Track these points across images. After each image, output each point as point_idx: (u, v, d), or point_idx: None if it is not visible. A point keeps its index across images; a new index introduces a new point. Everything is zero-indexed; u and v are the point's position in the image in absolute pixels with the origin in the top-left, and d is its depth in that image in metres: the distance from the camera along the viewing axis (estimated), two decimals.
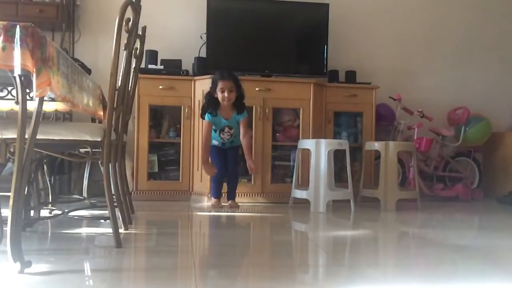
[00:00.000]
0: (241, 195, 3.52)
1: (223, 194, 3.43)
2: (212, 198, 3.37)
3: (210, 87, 3.27)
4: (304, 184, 3.55)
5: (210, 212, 3.11)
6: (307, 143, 3.39)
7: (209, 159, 3.29)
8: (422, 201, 3.52)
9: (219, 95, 3.16)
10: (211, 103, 3.23)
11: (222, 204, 3.34)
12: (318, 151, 3.27)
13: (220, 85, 3.15)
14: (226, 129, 3.27)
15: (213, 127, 3.27)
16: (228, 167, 3.36)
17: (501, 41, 4.64)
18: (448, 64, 4.55)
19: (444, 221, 3.05)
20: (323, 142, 3.29)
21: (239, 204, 3.38)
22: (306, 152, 3.51)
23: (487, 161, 4.45)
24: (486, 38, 4.61)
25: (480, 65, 4.60)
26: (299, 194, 3.38)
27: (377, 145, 3.49)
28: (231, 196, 3.39)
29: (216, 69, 3.76)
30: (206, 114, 3.24)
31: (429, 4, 4.53)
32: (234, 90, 3.18)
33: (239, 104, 3.24)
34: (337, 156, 3.65)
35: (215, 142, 3.34)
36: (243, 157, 3.37)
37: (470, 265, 1.81)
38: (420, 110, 4.01)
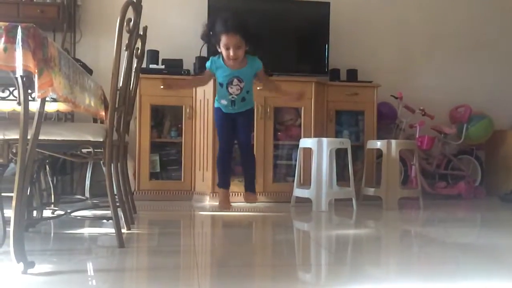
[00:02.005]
0: (238, 194, 3.51)
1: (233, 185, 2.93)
2: (219, 188, 2.82)
3: (206, 31, 2.64)
4: (306, 183, 3.54)
5: (214, 211, 3.11)
6: (308, 142, 3.39)
7: (182, 85, 2.89)
8: (424, 200, 3.51)
9: (223, 51, 2.58)
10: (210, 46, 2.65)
11: (231, 202, 2.78)
12: (320, 150, 3.27)
13: (223, 40, 2.54)
14: (235, 81, 2.63)
15: (218, 80, 2.65)
16: (239, 142, 2.72)
17: (503, 39, 4.63)
18: (450, 62, 4.54)
19: (446, 219, 3.05)
20: (324, 141, 3.29)
21: (257, 197, 2.81)
22: (308, 151, 3.51)
23: (489, 159, 4.44)
24: (488, 36, 4.60)
25: (482, 63, 4.59)
26: (301, 193, 3.38)
27: (379, 144, 3.49)
28: (249, 186, 2.78)
29: None
30: (210, 60, 2.69)
31: (431, 2, 4.52)
32: (243, 44, 2.57)
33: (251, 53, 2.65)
34: (339, 155, 3.65)
35: (223, 102, 2.68)
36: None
37: (473, 264, 1.80)
38: (422, 108, 4.01)
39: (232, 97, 2.62)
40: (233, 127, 2.68)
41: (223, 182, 2.76)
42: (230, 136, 2.70)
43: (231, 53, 2.53)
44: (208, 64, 2.62)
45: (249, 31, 2.55)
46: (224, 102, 2.64)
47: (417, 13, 4.50)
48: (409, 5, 4.49)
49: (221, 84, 2.60)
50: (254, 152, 3.22)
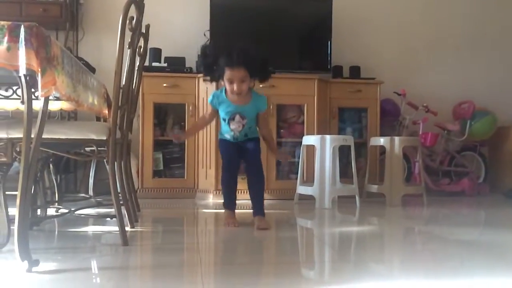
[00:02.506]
0: (246, 192, 3.50)
1: (240, 206, 2.63)
2: (225, 211, 2.53)
3: (209, 61, 2.39)
4: (309, 180, 3.54)
5: (216, 209, 3.12)
6: (311, 139, 3.38)
7: (190, 134, 2.76)
8: (427, 196, 3.51)
9: (226, 85, 2.37)
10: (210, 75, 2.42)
11: (238, 222, 2.44)
12: (323, 147, 3.26)
13: (227, 74, 2.32)
14: (237, 118, 2.42)
15: (221, 115, 2.47)
16: (246, 164, 2.49)
17: (506, 35, 4.61)
18: (453, 58, 4.53)
19: (450, 216, 3.04)
20: (327, 138, 3.28)
21: (268, 222, 2.43)
22: (311, 148, 3.51)
23: (493, 156, 4.43)
24: (491, 32, 4.58)
25: (485, 59, 4.57)
26: (304, 190, 3.38)
27: (382, 141, 3.48)
28: (258, 210, 2.43)
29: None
30: (212, 95, 2.49)
31: None
32: (248, 79, 2.35)
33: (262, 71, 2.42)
34: (342, 152, 3.65)
35: (226, 136, 2.51)
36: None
37: (477, 261, 1.80)
38: (425, 105, 4.00)
39: (234, 133, 2.45)
40: (239, 152, 2.48)
41: (228, 203, 2.51)
42: (236, 160, 2.48)
43: (235, 87, 2.32)
44: (210, 99, 2.46)
45: (255, 64, 2.35)
46: (227, 136, 2.49)
47: (420, 9, 4.48)
48: (412, 1, 4.47)
49: (223, 119, 2.45)
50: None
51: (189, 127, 2.66)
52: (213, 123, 3.48)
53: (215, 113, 2.50)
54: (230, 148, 2.48)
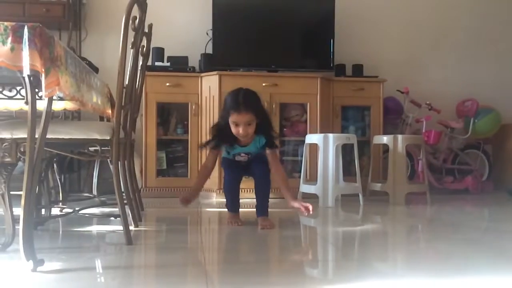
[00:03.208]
0: (248, 190, 3.52)
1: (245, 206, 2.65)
2: (228, 212, 2.52)
3: (221, 114, 2.45)
4: (312, 179, 3.54)
5: (219, 208, 3.12)
6: (314, 138, 3.38)
7: (198, 190, 2.51)
8: (431, 194, 3.50)
9: (232, 128, 2.32)
10: (225, 137, 2.38)
11: (241, 220, 2.46)
12: (326, 145, 3.26)
13: (233, 117, 2.29)
14: (242, 155, 2.43)
15: (226, 148, 2.45)
16: (254, 176, 2.44)
17: (509, 32, 4.59)
18: (456, 56, 4.51)
19: (453, 214, 3.04)
20: (331, 136, 3.28)
21: (273, 223, 2.42)
22: (314, 147, 3.51)
23: (496, 153, 4.42)
24: (494, 29, 4.57)
25: (488, 57, 4.56)
26: (307, 189, 3.38)
27: (385, 139, 3.48)
28: (262, 211, 2.42)
29: (223, 65, 3.76)
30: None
31: None
32: (254, 122, 2.32)
33: (263, 129, 2.39)
34: (345, 150, 3.64)
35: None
36: None
37: (481, 259, 1.80)
38: (428, 102, 3.99)
39: (240, 163, 2.45)
40: (244, 166, 2.45)
41: (231, 206, 2.48)
42: (239, 174, 2.46)
43: (241, 131, 2.29)
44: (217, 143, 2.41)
45: (260, 107, 2.36)
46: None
47: (423, 7, 4.47)
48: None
49: (227, 153, 2.45)
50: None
51: (195, 185, 2.49)
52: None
53: (216, 155, 2.47)
54: (233, 163, 2.45)
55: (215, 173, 3.53)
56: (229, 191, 2.47)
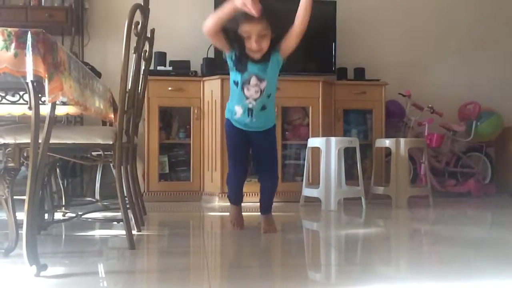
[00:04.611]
0: (251, 194, 3.52)
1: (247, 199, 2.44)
2: (230, 204, 2.35)
3: (229, 26, 1.99)
4: (314, 182, 3.54)
5: (222, 212, 3.12)
6: (317, 142, 3.39)
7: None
8: (434, 198, 3.49)
9: (246, 42, 1.98)
10: (235, 42, 2.01)
11: (242, 220, 2.32)
12: (328, 149, 3.26)
13: (243, 27, 1.94)
14: (253, 80, 2.01)
15: (233, 75, 2.07)
16: (261, 169, 2.20)
17: (511, 34, 4.59)
18: (458, 59, 4.51)
19: (456, 217, 3.03)
20: (333, 140, 3.28)
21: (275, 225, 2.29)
22: (316, 151, 3.51)
23: (499, 156, 4.41)
24: (496, 32, 4.56)
25: (491, 60, 4.56)
26: (309, 192, 3.38)
27: (387, 142, 3.48)
28: (266, 208, 2.26)
29: (224, 69, 3.74)
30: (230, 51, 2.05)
31: None
32: (269, 33, 1.97)
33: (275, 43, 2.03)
34: (348, 154, 3.64)
35: (237, 111, 2.08)
36: None
37: (484, 262, 1.79)
38: (430, 105, 3.99)
39: (249, 103, 2.01)
40: (247, 143, 2.12)
41: (234, 198, 2.28)
42: (245, 159, 2.16)
43: (253, 44, 1.93)
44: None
45: (277, 16, 1.99)
46: (238, 110, 2.05)
47: (424, 10, 4.47)
48: (415, 2, 4.46)
49: (235, 83, 2.02)
50: None
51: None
52: (218, 129, 3.50)
53: (221, 38, 2.00)
54: (239, 140, 2.12)
55: (218, 176, 3.54)
56: (233, 183, 2.22)
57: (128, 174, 2.24)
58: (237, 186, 2.26)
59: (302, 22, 2.01)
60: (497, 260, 1.83)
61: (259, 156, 2.16)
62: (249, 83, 1.99)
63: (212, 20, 1.94)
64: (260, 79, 1.99)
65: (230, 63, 2.06)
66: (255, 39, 1.93)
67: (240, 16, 1.91)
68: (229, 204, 2.40)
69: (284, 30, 2.01)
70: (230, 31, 1.98)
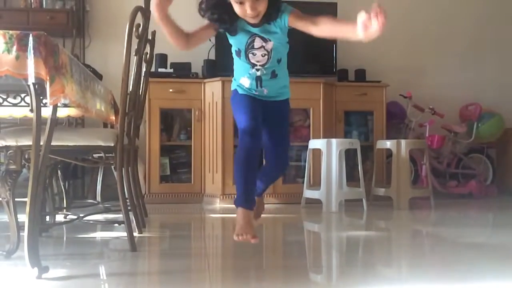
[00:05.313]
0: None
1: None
2: (237, 207, 1.61)
3: None
4: (315, 184, 3.54)
5: (223, 214, 3.12)
6: (318, 143, 3.39)
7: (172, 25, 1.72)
8: (435, 199, 3.49)
9: (236, 9, 1.60)
10: (224, 15, 1.65)
11: (255, 229, 1.60)
12: (329, 150, 3.26)
13: None
14: (258, 42, 1.66)
15: (233, 46, 1.73)
16: (270, 144, 1.73)
17: (511, 35, 4.60)
18: (459, 60, 4.51)
19: (458, 218, 3.03)
20: (334, 141, 3.28)
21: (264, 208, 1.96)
22: (317, 152, 3.51)
23: (500, 157, 4.40)
24: (497, 33, 4.56)
25: (491, 61, 4.55)
26: (311, 194, 3.38)
27: (388, 144, 3.47)
28: (262, 191, 1.87)
29: (225, 71, 3.76)
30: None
31: (439, 0, 4.49)
32: None
33: (273, 9, 1.63)
34: (349, 155, 3.64)
35: (243, 83, 1.71)
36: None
37: (486, 263, 1.79)
38: (431, 107, 3.99)
39: (257, 70, 1.65)
40: (260, 111, 1.67)
41: (245, 197, 1.59)
42: (258, 115, 1.64)
43: (248, 8, 1.55)
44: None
45: None
46: (245, 81, 1.69)
47: (425, 12, 4.47)
48: (416, 3, 4.46)
49: (237, 52, 1.68)
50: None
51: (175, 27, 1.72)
52: (219, 131, 3.50)
53: (207, 34, 1.73)
54: (248, 99, 1.67)
55: (219, 178, 3.54)
56: (245, 162, 1.58)
57: (129, 176, 2.24)
58: (251, 165, 1.57)
59: (325, 34, 1.72)
60: (499, 261, 1.83)
61: (270, 133, 1.71)
62: (253, 46, 1.63)
63: (172, 40, 1.74)
64: (264, 40, 1.63)
65: (228, 36, 1.72)
66: (249, 5, 1.54)
67: None
68: (233, 206, 1.65)
69: None
70: (216, 8, 1.65)
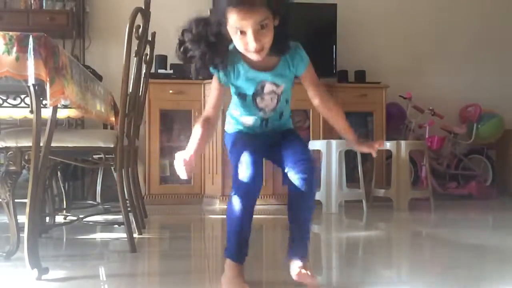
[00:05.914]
0: (262, 197, 3.48)
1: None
2: (226, 258, 1.42)
3: (209, 20, 1.42)
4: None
5: (223, 215, 3.11)
6: (317, 144, 3.39)
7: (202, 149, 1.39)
8: (435, 200, 3.49)
9: (235, 41, 1.33)
10: (211, 48, 1.38)
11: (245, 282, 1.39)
12: (329, 152, 3.26)
13: (233, 19, 1.29)
14: (268, 87, 1.43)
15: (237, 90, 1.45)
16: (283, 148, 1.49)
17: (511, 36, 4.60)
18: (459, 61, 4.52)
19: (458, 220, 3.03)
20: (333, 142, 3.29)
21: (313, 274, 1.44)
22: (317, 153, 3.51)
23: (500, 158, 4.41)
24: (497, 34, 4.57)
25: (491, 62, 4.56)
26: None
27: (388, 145, 3.48)
28: (300, 249, 1.50)
29: None
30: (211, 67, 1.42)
31: (438, 1, 4.50)
32: (270, 23, 1.30)
33: (282, 40, 1.40)
34: (348, 157, 3.64)
35: (244, 122, 1.49)
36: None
37: (486, 266, 1.79)
38: (431, 108, 3.99)
39: (264, 114, 1.46)
40: (266, 149, 1.48)
41: (236, 251, 1.41)
42: (261, 163, 1.42)
43: (250, 42, 1.28)
44: (214, 71, 1.43)
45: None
46: (247, 121, 1.48)
47: (424, 13, 4.48)
48: (416, 5, 4.47)
49: (243, 96, 1.44)
50: None
51: (196, 140, 1.36)
52: (219, 132, 3.50)
53: (222, 89, 1.44)
54: (253, 141, 1.44)
55: (219, 179, 3.53)
56: (238, 217, 1.40)
57: (129, 177, 2.24)
58: (245, 222, 1.42)
59: (321, 113, 1.56)
60: (498, 263, 1.83)
61: (285, 145, 1.49)
62: (262, 92, 1.42)
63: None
64: (276, 85, 1.43)
65: (222, 78, 1.44)
66: (252, 35, 1.27)
67: (227, 4, 1.28)
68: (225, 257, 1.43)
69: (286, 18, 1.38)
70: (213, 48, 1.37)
